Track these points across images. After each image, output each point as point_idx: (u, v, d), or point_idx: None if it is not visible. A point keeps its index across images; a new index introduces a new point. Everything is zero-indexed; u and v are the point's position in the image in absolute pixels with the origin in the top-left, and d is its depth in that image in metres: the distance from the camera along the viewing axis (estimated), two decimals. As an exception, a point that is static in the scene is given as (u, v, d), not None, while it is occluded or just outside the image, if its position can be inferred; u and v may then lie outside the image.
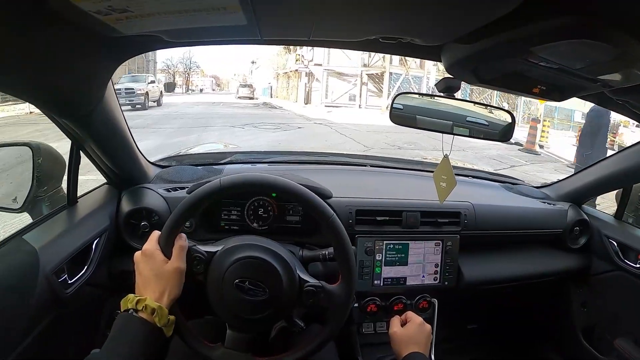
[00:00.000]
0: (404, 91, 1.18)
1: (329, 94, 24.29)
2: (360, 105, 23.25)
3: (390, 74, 22.61)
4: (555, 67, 0.76)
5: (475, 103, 1.17)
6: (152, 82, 18.90)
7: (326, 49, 21.75)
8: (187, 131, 11.14)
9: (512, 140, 11.25)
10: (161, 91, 20.36)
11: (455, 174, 1.95)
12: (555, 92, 0.92)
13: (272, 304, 0.92)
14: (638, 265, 1.59)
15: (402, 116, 1.16)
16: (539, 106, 23.16)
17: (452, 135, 1.14)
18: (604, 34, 0.63)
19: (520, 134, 13.24)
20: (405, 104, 1.17)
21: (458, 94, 1.08)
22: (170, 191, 1.35)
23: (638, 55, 0.69)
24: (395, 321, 1.14)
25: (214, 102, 25.45)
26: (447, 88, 1.01)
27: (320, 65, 24.34)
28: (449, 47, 0.84)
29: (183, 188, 1.36)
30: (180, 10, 0.67)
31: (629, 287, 1.62)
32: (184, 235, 0.92)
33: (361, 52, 21.40)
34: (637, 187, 1.72)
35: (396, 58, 21.35)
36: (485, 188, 1.92)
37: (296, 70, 28.36)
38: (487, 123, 1.16)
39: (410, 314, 1.16)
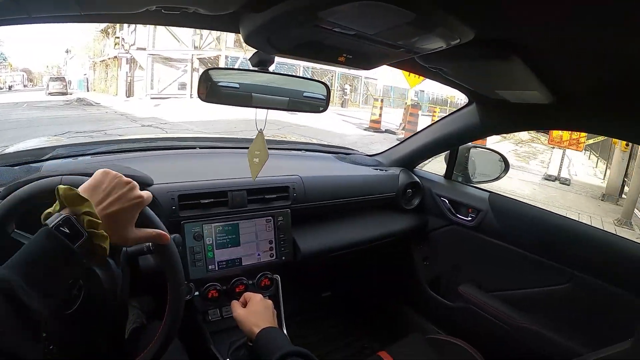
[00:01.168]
0: (214, 67, 1.09)
1: (155, 84, 19.95)
2: (191, 95, 18.96)
3: (226, 57, 19.14)
4: (351, 34, 0.75)
5: (289, 76, 1.14)
6: None
7: (151, 30, 19.10)
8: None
9: (382, 128, 11.48)
10: None
11: (287, 149, 1.99)
12: (362, 60, 0.91)
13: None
14: (469, 218, 1.74)
15: (236, 95, 1.08)
16: (377, 87, 24.64)
17: (267, 110, 1.08)
18: None
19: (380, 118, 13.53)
20: (242, 83, 1.09)
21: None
22: None
23: (434, 19, 0.68)
24: (235, 305, 1.12)
25: (17, 103, 18.01)
26: (260, 62, 0.96)
27: (144, 49, 19.64)
28: (245, 17, 0.78)
29: None
30: None
31: (464, 238, 1.77)
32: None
33: (192, 33, 18.78)
34: (462, 149, 1.86)
35: (231, 39, 18.91)
36: (317, 160, 1.95)
37: (115, 57, 22.67)
38: (323, 97, 1.15)
39: (247, 294, 1.15)
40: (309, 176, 1.60)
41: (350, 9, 0.64)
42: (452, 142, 1.79)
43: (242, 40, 0.83)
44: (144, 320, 1.39)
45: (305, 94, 1.13)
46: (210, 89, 1.02)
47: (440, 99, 29.06)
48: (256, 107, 1.08)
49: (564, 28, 0.73)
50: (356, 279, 2.18)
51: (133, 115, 13.69)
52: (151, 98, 18.60)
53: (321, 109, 1.14)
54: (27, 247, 0.64)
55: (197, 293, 1.35)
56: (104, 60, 26.29)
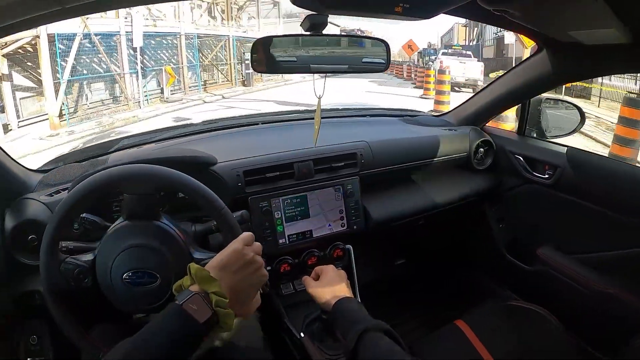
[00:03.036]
0: (266, 36, 1.06)
1: None
2: (8, 126, 9.02)
3: (51, 37, 9.42)
4: None
5: (348, 36, 1.10)
6: None
7: None
8: None
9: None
10: None
11: (352, 116, 1.96)
12: (420, 7, 0.85)
13: (166, 289, 0.88)
14: (546, 176, 1.63)
15: (293, 66, 1.07)
16: None
17: (324, 78, 1.05)
18: None
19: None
20: (299, 55, 1.06)
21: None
22: (52, 195, 1.21)
23: None
24: (308, 280, 1.11)
25: None
26: (313, 26, 0.92)
27: None
28: None
29: (66, 189, 1.23)
30: None
31: (541, 197, 1.68)
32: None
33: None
34: (534, 101, 1.75)
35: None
36: (383, 125, 1.90)
37: None
38: (383, 61, 1.10)
39: (318, 267, 1.13)
40: (376, 141, 1.56)
41: None
42: (523, 94, 1.68)
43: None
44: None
45: (364, 60, 1.10)
46: (267, 61, 1.00)
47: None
48: (314, 72, 1.06)
49: None
50: (429, 244, 2.13)
51: None
52: None
53: (382, 68, 1.10)
54: (156, 321, 0.69)
55: (269, 268, 1.35)
56: None
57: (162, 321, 0.69)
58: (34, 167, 1.38)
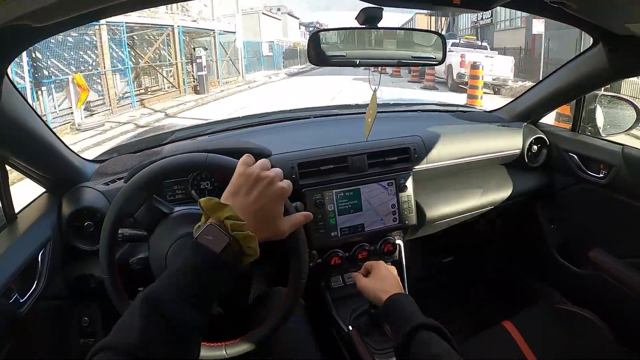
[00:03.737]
0: (321, 29, 1.07)
1: None
2: None
3: None
4: None
5: (401, 29, 1.09)
6: None
7: None
8: None
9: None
10: None
11: (404, 111, 1.95)
12: (478, 0, 0.86)
13: None
14: (601, 175, 1.58)
15: (344, 61, 1.07)
16: (237, 46, 17.79)
17: (380, 73, 1.08)
18: None
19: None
20: (348, 51, 1.07)
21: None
22: (108, 184, 1.27)
23: None
24: (358, 276, 1.11)
25: None
26: (368, 19, 0.93)
27: None
28: None
29: (121, 178, 1.29)
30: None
31: (595, 198, 1.63)
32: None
33: None
34: (589, 97, 1.70)
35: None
36: (436, 120, 1.87)
37: None
38: (433, 56, 1.09)
39: (368, 263, 1.13)
40: (429, 135, 1.56)
41: None
42: (578, 90, 1.63)
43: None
44: (266, 287, 1.45)
45: (413, 55, 1.08)
46: (319, 54, 1.01)
47: (291, 49, 25.04)
48: (362, 66, 1.05)
49: None
50: (478, 243, 2.10)
51: None
52: None
53: (435, 62, 1.09)
54: (175, 262, 0.68)
55: (319, 260, 1.37)
56: None
57: (180, 261, 0.67)
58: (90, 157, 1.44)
